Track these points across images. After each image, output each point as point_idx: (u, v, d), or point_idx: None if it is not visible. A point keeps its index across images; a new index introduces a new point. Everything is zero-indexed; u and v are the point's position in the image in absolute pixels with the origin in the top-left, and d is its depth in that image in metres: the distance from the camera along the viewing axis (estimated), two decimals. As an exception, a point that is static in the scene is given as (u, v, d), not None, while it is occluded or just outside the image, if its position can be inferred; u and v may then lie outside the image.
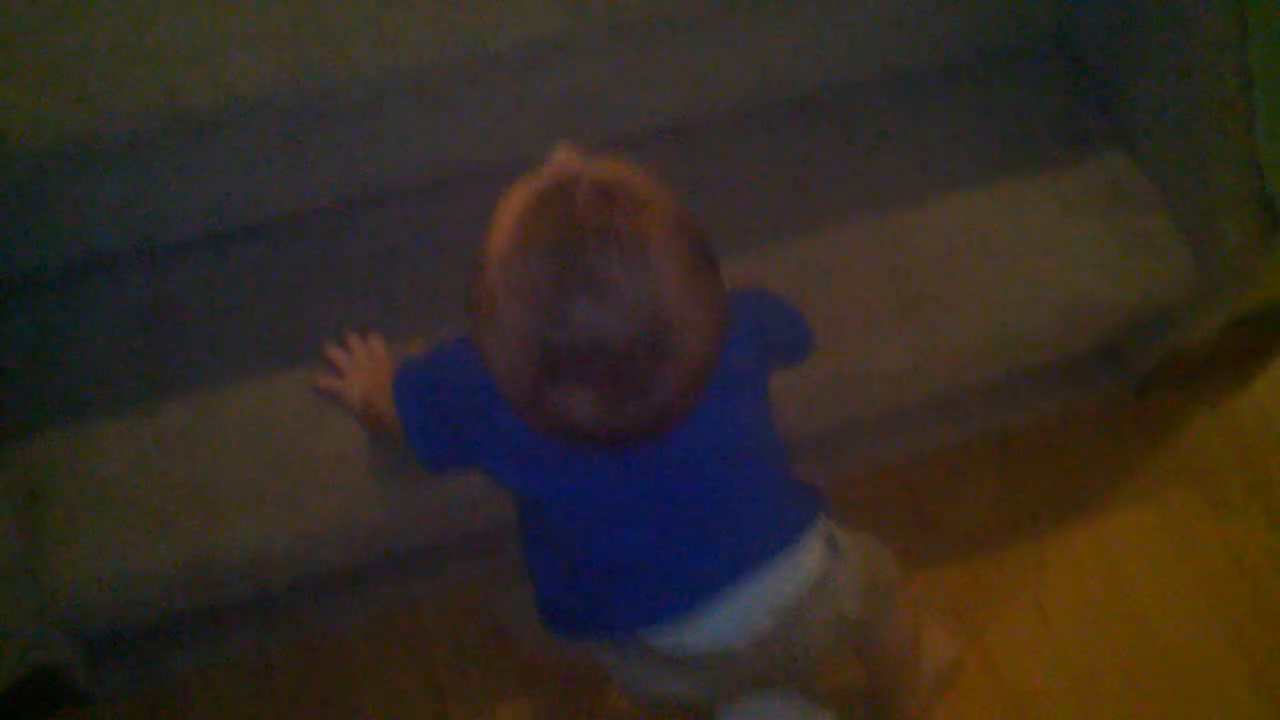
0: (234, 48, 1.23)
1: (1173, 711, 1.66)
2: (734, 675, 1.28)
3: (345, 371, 1.41)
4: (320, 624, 1.60)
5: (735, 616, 1.21)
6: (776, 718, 1.49)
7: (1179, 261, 1.54)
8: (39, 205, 1.35)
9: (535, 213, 1.00)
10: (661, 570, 1.21)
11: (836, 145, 1.57)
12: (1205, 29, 1.45)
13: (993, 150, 1.59)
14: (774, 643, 1.24)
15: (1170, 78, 1.52)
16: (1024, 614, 1.70)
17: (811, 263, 1.49)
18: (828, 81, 1.59)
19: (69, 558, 1.32)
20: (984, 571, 1.71)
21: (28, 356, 1.39)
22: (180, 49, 1.23)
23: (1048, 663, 1.68)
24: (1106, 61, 1.61)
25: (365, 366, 1.40)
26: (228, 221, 1.46)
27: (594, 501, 1.18)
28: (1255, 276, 1.52)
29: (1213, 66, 1.45)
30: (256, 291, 1.45)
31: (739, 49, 1.49)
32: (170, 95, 1.22)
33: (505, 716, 1.59)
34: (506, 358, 1.01)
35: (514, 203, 1.02)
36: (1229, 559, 1.75)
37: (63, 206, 1.36)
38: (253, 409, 1.39)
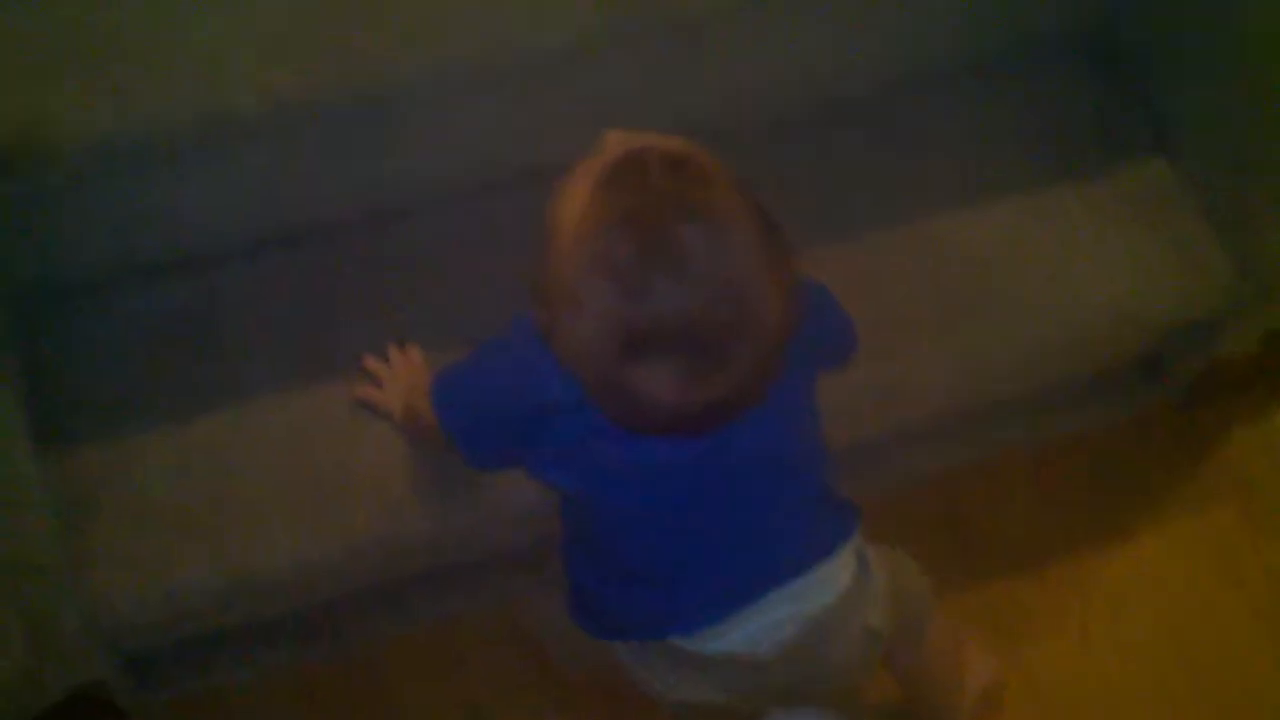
0: (278, 50, 1.23)
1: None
2: (762, 683, 1.27)
3: (385, 381, 1.40)
4: (359, 641, 1.58)
5: (766, 625, 1.21)
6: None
7: (1220, 269, 1.53)
8: (75, 211, 1.34)
9: (609, 186, 1.00)
10: (700, 576, 1.20)
11: (871, 149, 1.56)
12: (1251, 29, 1.44)
13: (1030, 154, 1.57)
14: (801, 653, 1.24)
15: (1211, 79, 1.51)
16: (1065, 633, 1.68)
17: (850, 271, 1.46)
18: (862, 83, 1.58)
19: (112, 573, 1.31)
20: (1024, 590, 1.70)
21: (65, 366, 1.39)
22: (224, 50, 1.23)
23: (1090, 685, 1.66)
24: (1145, 63, 1.60)
25: (404, 376, 1.40)
26: (265, 228, 1.45)
27: (640, 502, 1.17)
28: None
29: (1257, 67, 1.44)
30: (294, 300, 1.44)
31: (772, 49, 1.49)
32: (214, 98, 1.22)
33: (545, 737, 1.58)
34: (585, 338, 1.00)
35: (584, 179, 1.02)
36: (1270, 578, 1.73)
37: (99, 213, 1.36)
38: (293, 420, 1.38)
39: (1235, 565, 1.73)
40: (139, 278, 1.43)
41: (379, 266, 1.47)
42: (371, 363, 1.41)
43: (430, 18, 1.26)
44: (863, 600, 1.26)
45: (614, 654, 1.30)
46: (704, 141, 1.15)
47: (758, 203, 1.03)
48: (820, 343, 1.22)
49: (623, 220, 0.98)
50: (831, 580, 1.23)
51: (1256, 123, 1.47)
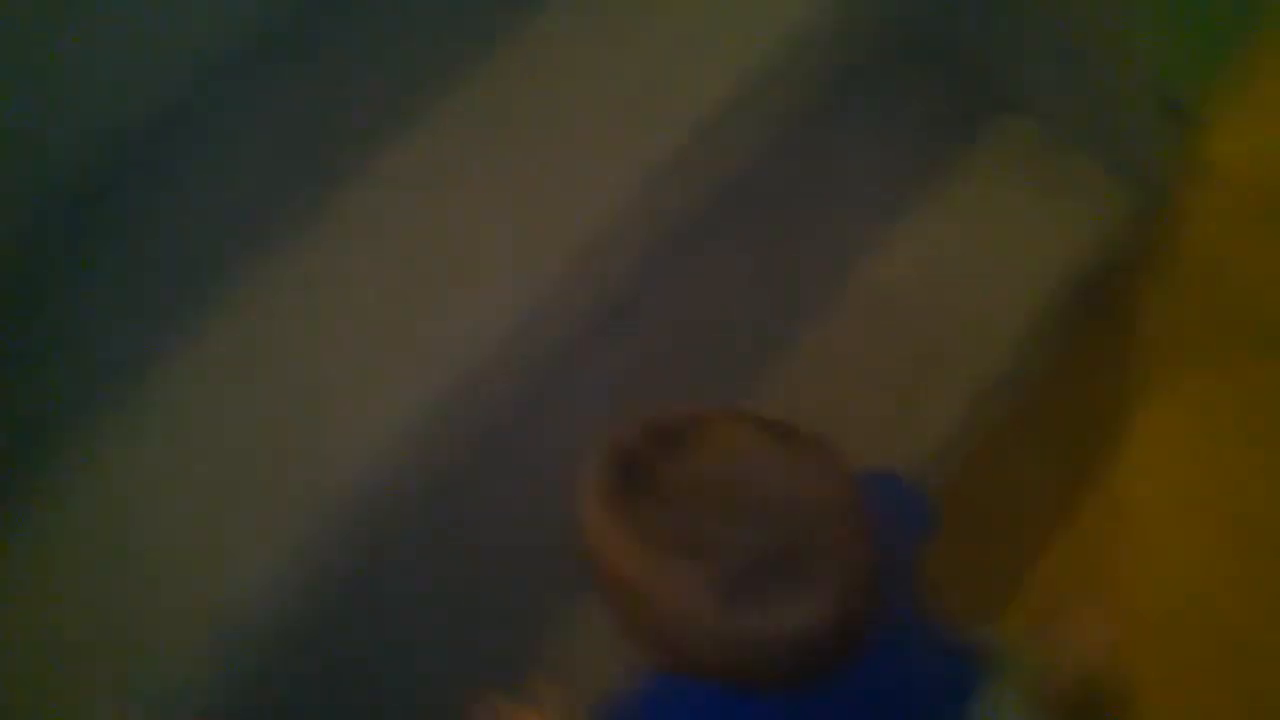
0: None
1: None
2: None
3: None
4: None
5: None
6: None
7: (1112, 189, 1.57)
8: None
9: (625, 482, 0.98)
10: None
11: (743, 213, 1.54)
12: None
13: (902, 168, 1.58)
14: None
15: (1044, 26, 1.51)
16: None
17: (811, 357, 1.47)
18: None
19: None
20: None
21: None
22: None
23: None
24: (972, 41, 1.61)
25: None
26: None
27: None
28: (1181, 182, 1.56)
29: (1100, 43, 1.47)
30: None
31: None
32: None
33: None
34: (684, 617, 0.96)
35: (594, 487, 1.00)
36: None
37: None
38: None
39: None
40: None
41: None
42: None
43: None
44: None
45: None
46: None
47: (768, 422, 1.01)
48: (905, 534, 1.20)
49: (661, 500, 0.97)
50: None
51: (1093, 48, 1.50)
